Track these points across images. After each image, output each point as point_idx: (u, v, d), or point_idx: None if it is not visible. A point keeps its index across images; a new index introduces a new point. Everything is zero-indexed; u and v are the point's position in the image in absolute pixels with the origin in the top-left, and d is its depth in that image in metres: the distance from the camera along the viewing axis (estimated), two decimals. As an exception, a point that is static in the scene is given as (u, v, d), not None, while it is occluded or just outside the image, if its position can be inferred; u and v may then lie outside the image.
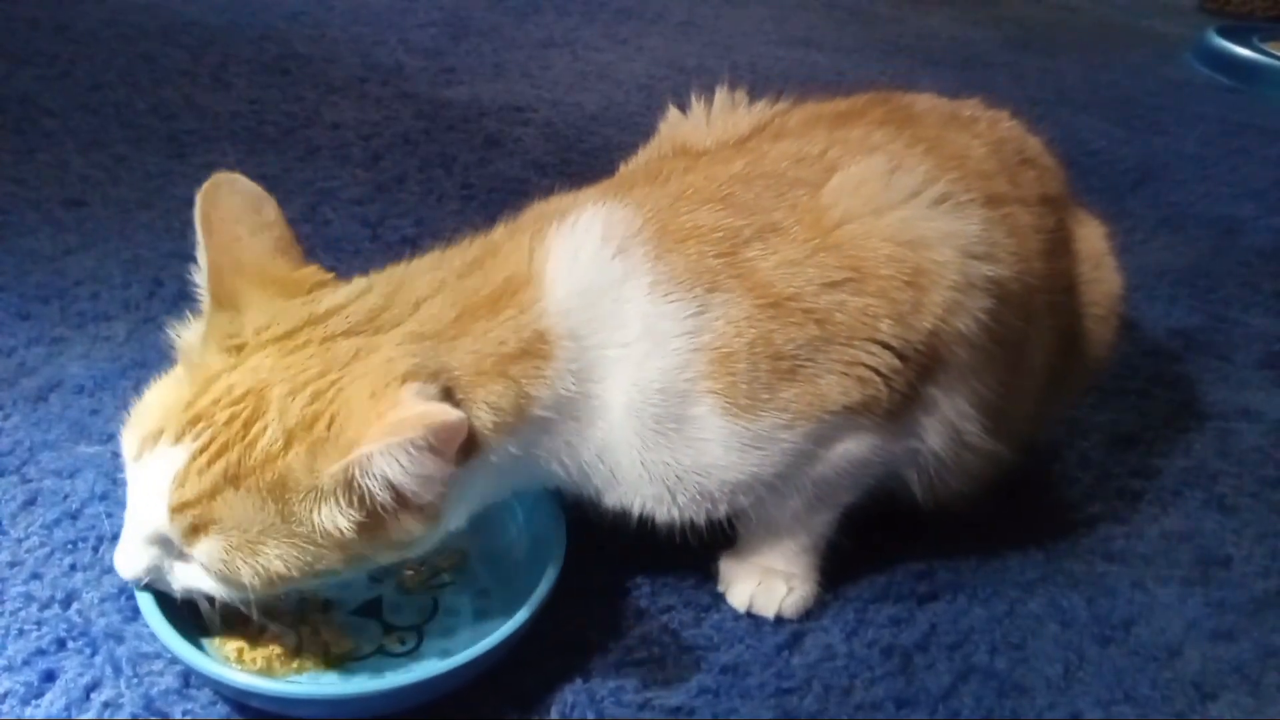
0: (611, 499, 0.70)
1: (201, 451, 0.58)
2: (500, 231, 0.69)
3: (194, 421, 0.59)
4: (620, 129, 1.61)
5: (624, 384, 0.64)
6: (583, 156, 1.50)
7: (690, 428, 0.65)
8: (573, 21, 2.13)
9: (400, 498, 0.57)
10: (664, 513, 0.69)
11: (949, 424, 0.72)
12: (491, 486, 0.66)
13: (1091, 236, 0.88)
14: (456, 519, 0.64)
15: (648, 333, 0.64)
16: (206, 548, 0.58)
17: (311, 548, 0.58)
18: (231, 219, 0.65)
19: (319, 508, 0.57)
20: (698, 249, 0.66)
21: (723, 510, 0.69)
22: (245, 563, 0.58)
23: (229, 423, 0.58)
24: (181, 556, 0.61)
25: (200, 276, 0.66)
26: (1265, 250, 1.44)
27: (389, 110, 1.56)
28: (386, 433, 0.54)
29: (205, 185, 0.66)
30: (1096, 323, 0.86)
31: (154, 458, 0.59)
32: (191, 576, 0.62)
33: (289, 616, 0.69)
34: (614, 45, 2.02)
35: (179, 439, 0.59)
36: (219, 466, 0.57)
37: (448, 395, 0.60)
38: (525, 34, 2.03)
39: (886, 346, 0.66)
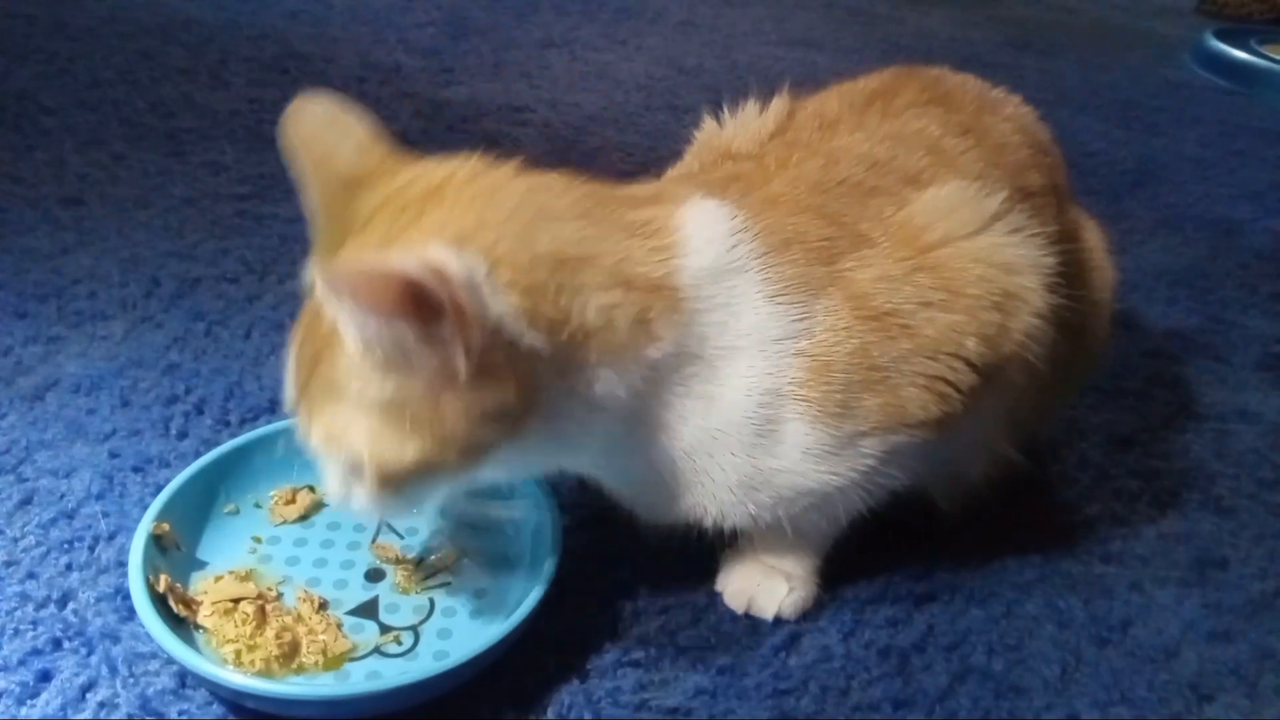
0: (685, 505, 0.69)
1: (300, 342, 0.61)
2: (638, 189, 0.69)
3: (300, 319, 0.62)
4: (619, 129, 1.61)
5: (733, 380, 0.64)
6: (582, 156, 1.50)
7: (778, 430, 0.65)
8: (572, 21, 2.14)
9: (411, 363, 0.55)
10: (740, 515, 0.69)
11: (988, 438, 0.73)
12: (594, 418, 0.63)
13: (1090, 226, 0.90)
14: (562, 425, 0.62)
15: (755, 330, 0.64)
16: (316, 441, 0.61)
17: (389, 429, 0.57)
18: (314, 137, 0.66)
19: (356, 378, 0.57)
20: (803, 254, 0.66)
21: (783, 511, 0.69)
22: (343, 451, 0.60)
23: (310, 314, 0.61)
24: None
25: (303, 201, 0.66)
26: (1263, 252, 1.44)
27: (388, 110, 1.56)
28: (322, 276, 0.53)
29: (285, 113, 0.67)
30: (1100, 308, 0.87)
31: (288, 367, 0.62)
32: (357, 492, 0.62)
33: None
34: (613, 45, 2.03)
35: (291, 342, 0.62)
36: (305, 356, 0.60)
37: (505, 262, 0.56)
38: (524, 34, 2.03)
39: (968, 364, 0.66)
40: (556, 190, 0.63)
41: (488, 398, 0.57)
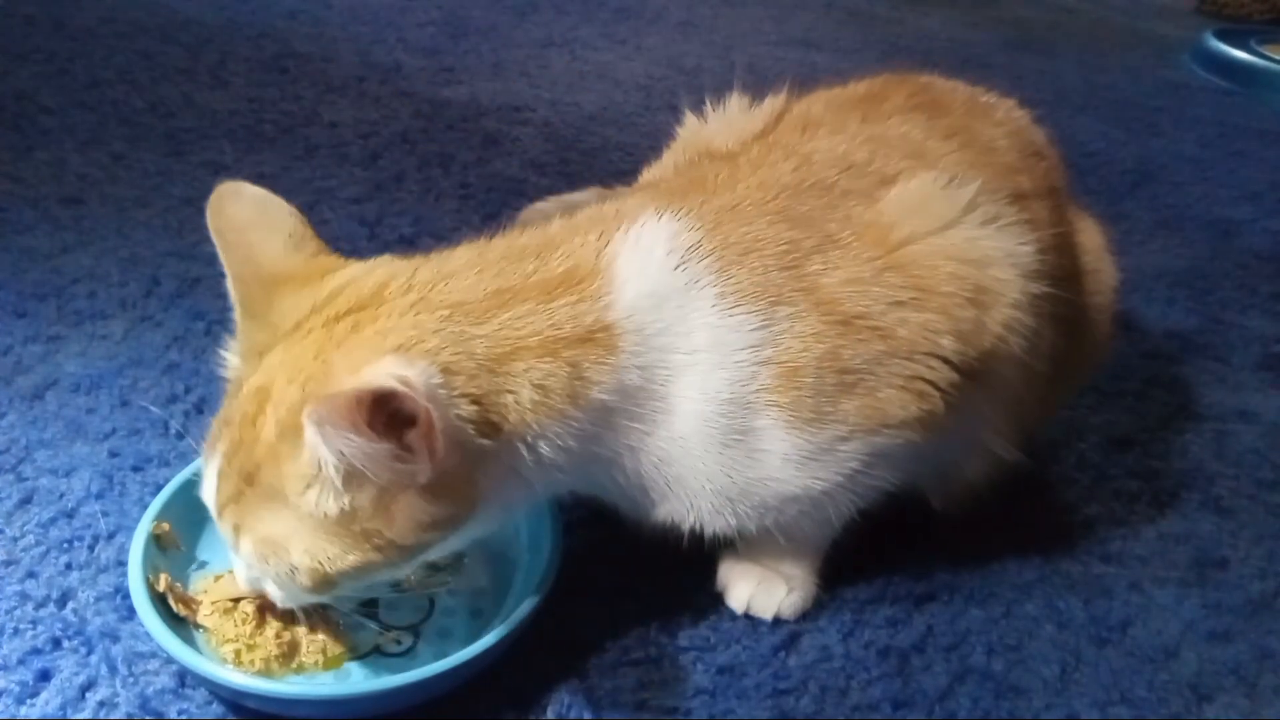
0: (664, 512, 0.69)
1: (227, 454, 0.59)
2: (558, 228, 0.68)
3: (225, 426, 0.60)
4: (619, 129, 1.61)
5: (691, 392, 0.64)
6: (581, 156, 1.50)
7: (752, 439, 0.65)
8: (571, 21, 2.13)
9: (380, 478, 0.56)
10: (719, 525, 0.69)
11: (982, 437, 0.73)
12: (552, 480, 0.64)
13: (1089, 229, 0.89)
14: (514, 500, 0.63)
15: (714, 343, 0.64)
16: (245, 548, 0.60)
17: (333, 540, 0.58)
18: (241, 226, 0.65)
19: (309, 495, 0.56)
20: (760, 262, 0.65)
21: (771, 520, 0.69)
22: (280, 562, 0.59)
23: (243, 421, 0.59)
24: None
25: (229, 288, 0.66)
26: (1262, 252, 1.44)
27: (387, 109, 1.56)
28: (308, 416, 0.52)
29: (211, 198, 0.66)
30: (1097, 313, 0.86)
31: (208, 469, 0.61)
32: (269, 583, 0.62)
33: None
34: (612, 45, 2.03)
35: (215, 447, 0.60)
36: (237, 465, 0.58)
37: (452, 371, 0.57)
38: (524, 33, 2.03)
39: (946, 361, 0.66)
40: (472, 280, 0.62)
41: (438, 503, 0.58)
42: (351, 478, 0.55)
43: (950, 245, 0.67)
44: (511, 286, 0.62)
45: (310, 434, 0.53)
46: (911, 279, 0.66)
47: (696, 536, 0.71)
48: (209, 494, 0.61)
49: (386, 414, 0.53)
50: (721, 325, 0.64)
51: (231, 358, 0.66)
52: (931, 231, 0.68)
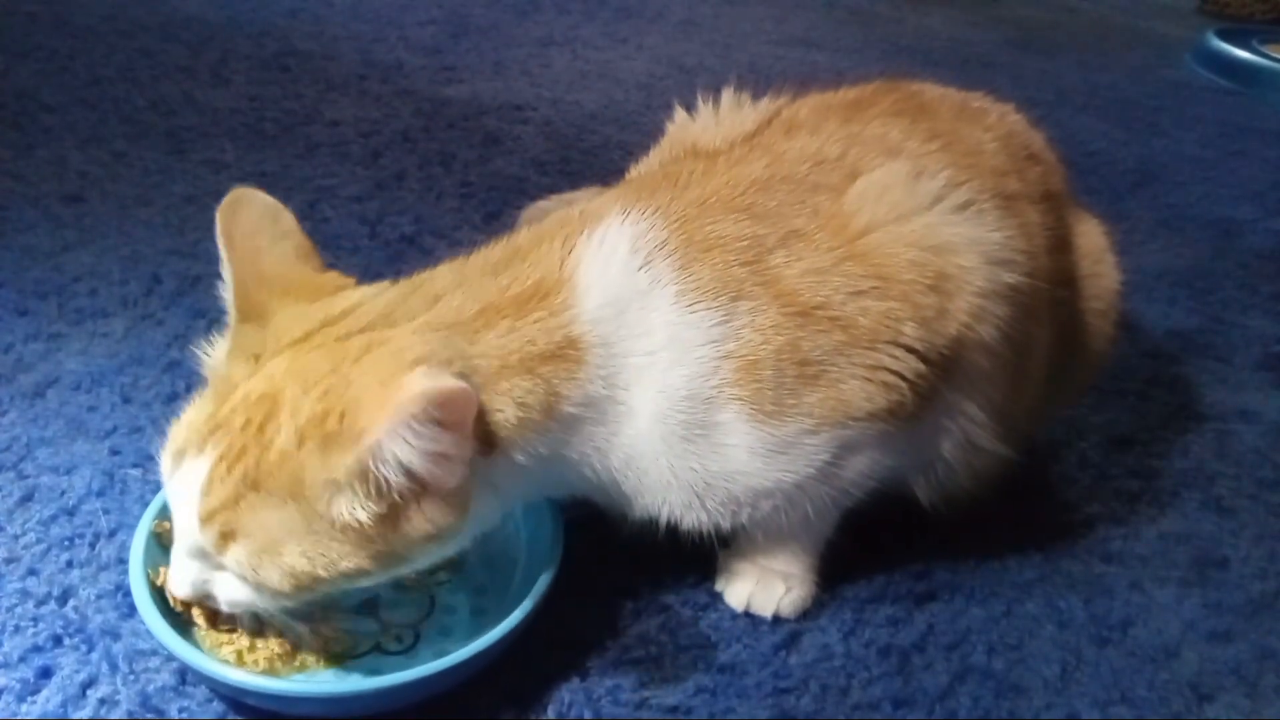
0: (639, 507, 0.69)
1: (222, 459, 0.59)
2: (525, 236, 0.69)
3: (215, 430, 0.60)
4: (620, 127, 1.61)
5: (650, 391, 0.65)
6: (582, 155, 1.50)
7: (716, 434, 0.65)
8: (572, 20, 2.14)
9: (419, 483, 0.57)
10: (692, 520, 0.69)
11: (962, 430, 0.73)
12: (521, 486, 0.66)
13: (1090, 233, 0.89)
14: (488, 515, 0.65)
15: (673, 341, 0.64)
16: (236, 554, 0.59)
17: (335, 545, 0.58)
18: (251, 232, 0.66)
19: (337, 502, 0.57)
20: (722, 258, 0.66)
21: (746, 516, 0.69)
22: (273, 565, 0.58)
23: (245, 427, 0.59)
24: (219, 567, 0.61)
25: (225, 292, 0.66)
26: (1264, 252, 1.44)
27: (388, 108, 1.56)
28: (391, 414, 0.54)
29: (224, 202, 0.66)
30: (1096, 318, 0.86)
31: (183, 472, 0.60)
32: (230, 587, 0.62)
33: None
34: (614, 44, 2.03)
35: (202, 450, 0.60)
36: (239, 471, 0.58)
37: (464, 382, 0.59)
38: (525, 32, 2.03)
39: (910, 350, 0.66)
40: (460, 300, 0.64)
41: (445, 513, 0.59)
42: (404, 479, 0.56)
43: (910, 232, 0.67)
44: (494, 304, 0.64)
45: (388, 433, 0.54)
46: (871, 268, 0.66)
47: (695, 535, 0.71)
48: (189, 497, 0.60)
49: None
50: (681, 323, 0.64)
51: (213, 357, 0.66)
52: (892, 220, 0.68)
